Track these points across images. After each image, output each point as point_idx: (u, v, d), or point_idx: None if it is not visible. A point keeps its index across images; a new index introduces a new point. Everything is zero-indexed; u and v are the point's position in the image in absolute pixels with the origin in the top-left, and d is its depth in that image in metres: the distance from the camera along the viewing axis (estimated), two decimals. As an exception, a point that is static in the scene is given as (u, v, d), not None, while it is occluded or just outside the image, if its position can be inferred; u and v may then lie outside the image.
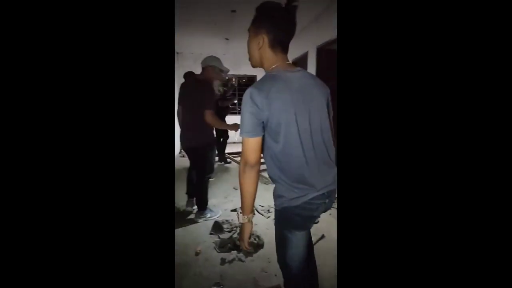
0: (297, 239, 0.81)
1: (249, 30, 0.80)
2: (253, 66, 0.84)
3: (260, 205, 2.41)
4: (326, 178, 0.78)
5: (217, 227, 1.95)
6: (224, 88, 3.65)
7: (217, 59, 1.89)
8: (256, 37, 0.76)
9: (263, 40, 0.75)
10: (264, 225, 2.05)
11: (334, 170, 0.81)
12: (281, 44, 0.75)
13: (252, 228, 0.81)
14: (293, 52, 4.07)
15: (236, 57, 5.58)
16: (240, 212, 0.79)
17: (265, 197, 2.62)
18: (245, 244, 0.82)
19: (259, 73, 5.86)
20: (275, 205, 0.81)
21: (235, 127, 1.99)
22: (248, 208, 0.77)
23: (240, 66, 5.66)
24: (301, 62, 3.88)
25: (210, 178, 2.09)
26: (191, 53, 5.31)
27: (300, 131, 0.72)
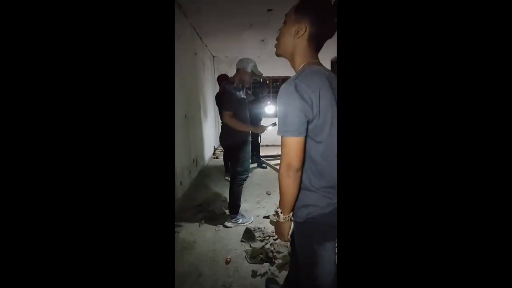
0: (329, 252, 0.74)
1: (287, 15, 0.72)
2: (278, 54, 0.76)
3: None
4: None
5: (249, 235, 1.85)
6: (255, 91, 3.58)
7: (249, 61, 1.87)
8: (296, 25, 0.69)
9: (305, 30, 0.68)
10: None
11: None
12: (318, 40, 0.70)
13: (291, 224, 0.75)
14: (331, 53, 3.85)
15: (272, 58, 5.50)
16: (281, 212, 0.73)
17: (300, 205, 2.45)
18: (285, 238, 0.76)
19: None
20: (297, 217, 0.73)
21: (261, 129, 1.98)
22: (289, 208, 0.72)
23: (275, 67, 5.57)
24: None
25: (243, 180, 2.00)
26: (226, 57, 5.38)
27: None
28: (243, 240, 1.82)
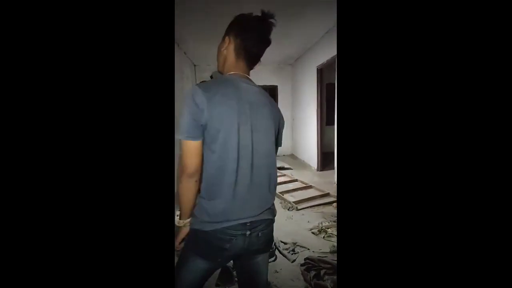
0: (195, 266, 0.72)
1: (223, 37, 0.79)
2: (218, 70, 0.81)
3: (282, 241, 1.92)
4: (255, 206, 0.70)
5: (226, 276, 1.51)
6: None
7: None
8: (224, 39, 0.75)
9: (229, 41, 0.73)
10: (288, 274, 1.56)
11: (269, 202, 0.74)
12: (247, 53, 0.72)
13: (188, 230, 0.74)
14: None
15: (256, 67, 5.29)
16: (177, 216, 0.74)
17: (288, 229, 2.14)
18: (177, 244, 0.76)
19: (281, 83, 5.54)
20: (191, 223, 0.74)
21: None
22: (187, 213, 0.72)
23: (261, 77, 5.38)
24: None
25: None
26: (208, 65, 5.14)
27: (240, 145, 0.66)
28: (219, 283, 1.48)
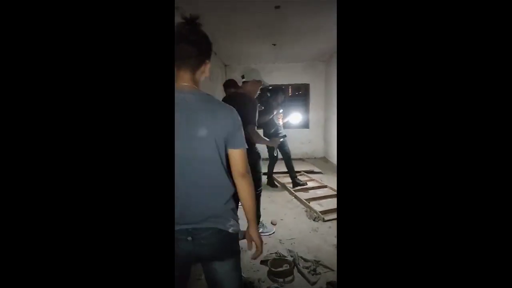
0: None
1: None
2: None
3: (303, 258, 1.73)
4: (196, 213, 0.72)
5: None
6: (264, 99, 3.21)
7: (256, 71, 1.96)
8: None
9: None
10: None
11: (214, 210, 0.74)
12: (180, 59, 0.73)
13: None
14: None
15: (288, 65, 5.09)
16: None
17: (311, 244, 1.94)
18: None
19: (313, 81, 5.24)
20: None
21: (274, 142, 2.17)
22: None
23: (294, 74, 5.15)
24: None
25: (258, 192, 2.01)
26: (238, 65, 5.09)
27: (175, 153, 0.66)
28: None
